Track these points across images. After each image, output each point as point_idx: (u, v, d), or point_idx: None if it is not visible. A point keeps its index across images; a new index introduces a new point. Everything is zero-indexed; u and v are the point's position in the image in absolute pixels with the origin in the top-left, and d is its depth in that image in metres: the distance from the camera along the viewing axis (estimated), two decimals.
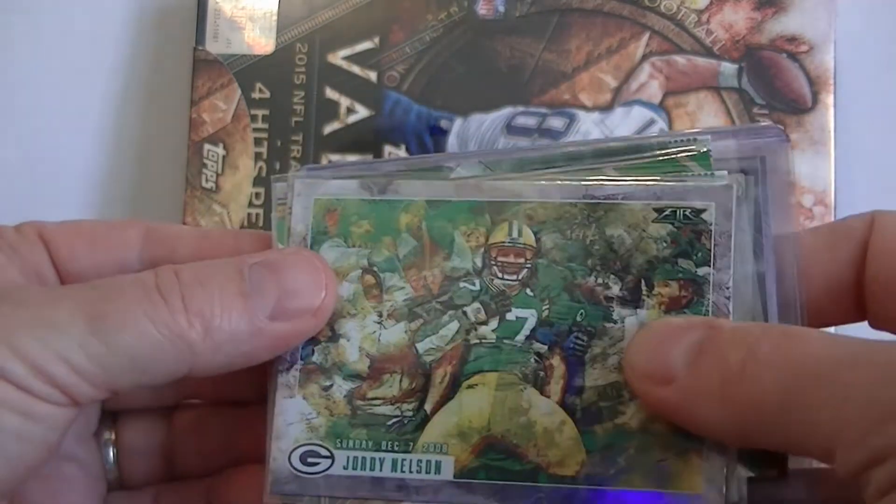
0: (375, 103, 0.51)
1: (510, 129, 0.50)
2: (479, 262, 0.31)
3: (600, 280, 0.30)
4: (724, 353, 0.27)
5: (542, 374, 0.30)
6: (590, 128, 0.50)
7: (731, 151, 0.31)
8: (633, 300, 0.30)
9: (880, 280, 0.30)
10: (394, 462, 0.30)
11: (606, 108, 0.50)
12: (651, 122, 0.50)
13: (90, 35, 0.56)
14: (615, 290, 0.30)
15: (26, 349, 0.27)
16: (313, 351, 0.31)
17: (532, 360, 0.30)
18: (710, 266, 0.30)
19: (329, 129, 0.51)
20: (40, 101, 0.56)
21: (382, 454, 0.30)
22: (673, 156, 0.31)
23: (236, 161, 0.51)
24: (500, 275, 0.31)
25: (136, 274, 0.29)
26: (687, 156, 0.30)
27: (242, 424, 0.35)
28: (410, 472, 0.30)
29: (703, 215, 0.30)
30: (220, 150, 0.51)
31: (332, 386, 0.31)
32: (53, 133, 0.55)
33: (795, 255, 0.30)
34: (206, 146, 0.51)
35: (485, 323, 0.31)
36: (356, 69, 0.52)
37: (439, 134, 0.50)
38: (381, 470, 0.30)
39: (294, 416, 0.31)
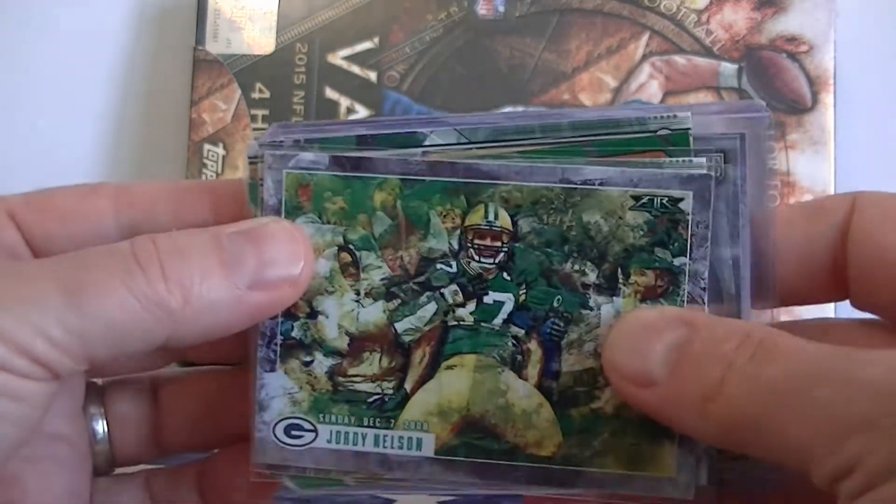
0: (375, 103, 0.51)
1: None
2: (455, 244, 0.31)
3: (577, 266, 0.30)
4: (704, 366, 0.27)
5: (519, 357, 0.31)
6: None
7: (711, 128, 0.30)
8: (609, 288, 0.30)
9: (862, 261, 0.30)
10: (376, 438, 0.31)
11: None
12: None
13: (90, 35, 0.56)
14: (592, 277, 0.30)
15: (3, 326, 0.27)
16: (293, 327, 0.31)
17: (510, 343, 0.31)
18: (686, 256, 0.30)
19: None
20: (40, 101, 0.56)
21: (365, 430, 0.31)
22: (652, 133, 0.30)
23: (236, 161, 0.51)
24: (476, 258, 0.31)
25: (112, 244, 0.29)
26: (667, 132, 0.30)
27: (228, 394, 0.34)
28: (392, 447, 0.31)
29: (681, 204, 0.30)
30: (220, 150, 0.51)
31: (312, 362, 0.31)
32: (53, 133, 0.55)
33: (772, 237, 0.30)
34: (206, 146, 0.51)
35: (462, 305, 0.31)
36: (356, 69, 0.52)
37: None
38: (363, 445, 0.31)
39: (276, 390, 0.31)
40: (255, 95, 0.52)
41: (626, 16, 0.51)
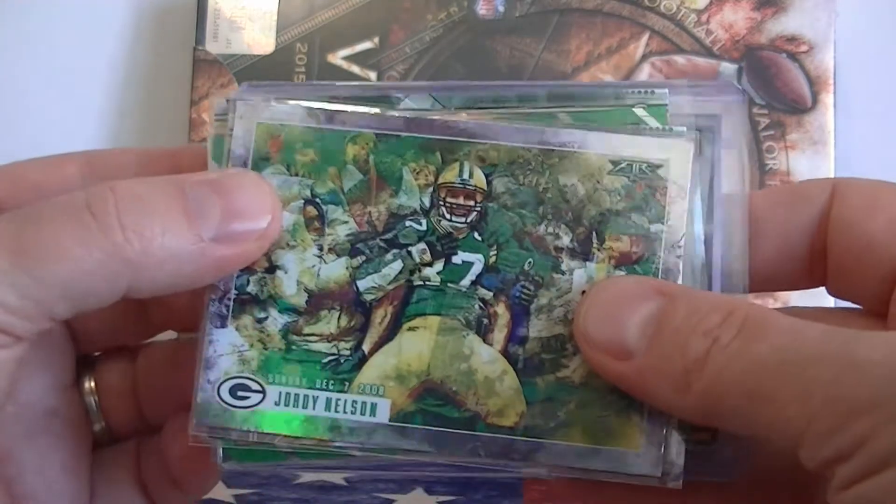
0: None
1: None
2: (426, 202, 0.30)
3: (551, 229, 0.30)
4: (685, 339, 0.26)
5: (485, 321, 0.30)
6: None
7: (687, 107, 0.30)
8: (582, 252, 0.30)
9: (843, 247, 0.30)
10: (328, 401, 0.29)
11: None
12: None
13: (90, 35, 0.56)
14: (565, 240, 0.30)
15: None
16: (248, 281, 0.30)
17: (476, 306, 0.30)
18: (662, 223, 0.29)
19: None
20: (40, 101, 0.56)
21: (316, 392, 0.30)
22: (629, 106, 0.30)
23: None
24: (448, 216, 0.30)
25: (66, 195, 0.28)
26: (643, 107, 0.30)
27: None
28: (345, 412, 0.29)
29: (660, 171, 0.29)
30: None
31: (266, 318, 0.30)
32: (53, 133, 0.55)
33: (746, 214, 0.30)
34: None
35: (430, 265, 0.30)
36: (356, 69, 0.52)
37: None
38: (314, 409, 0.29)
39: (225, 348, 0.30)
40: None
41: (626, 16, 0.51)
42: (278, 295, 0.30)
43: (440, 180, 0.30)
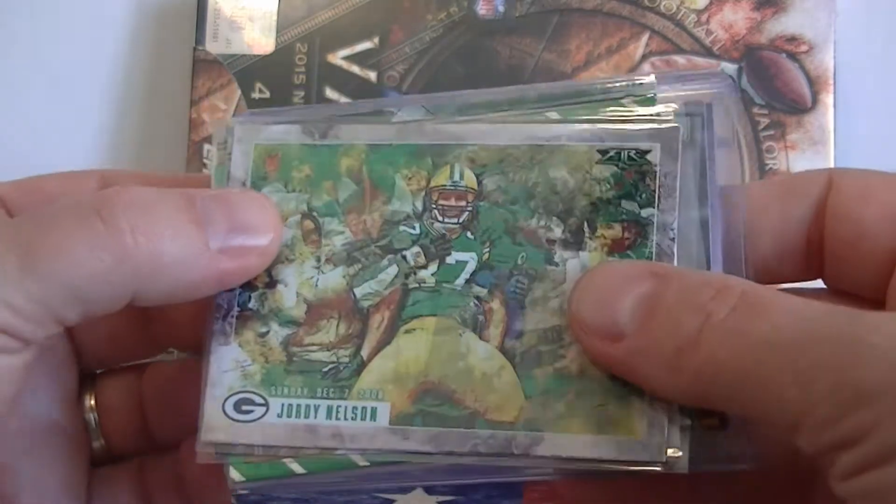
0: None
1: None
2: (419, 206, 0.30)
3: (542, 222, 0.30)
4: (677, 317, 0.26)
5: (481, 318, 0.30)
6: None
7: (677, 97, 0.30)
8: (575, 242, 0.30)
9: (840, 237, 0.29)
10: (329, 409, 0.30)
11: None
12: None
13: (90, 35, 0.56)
14: (557, 232, 0.30)
15: None
16: (250, 297, 0.30)
17: (472, 303, 0.30)
18: (654, 207, 0.29)
19: None
20: (40, 101, 0.56)
21: (317, 401, 0.30)
22: (617, 100, 0.30)
23: None
24: (440, 218, 0.30)
25: (77, 197, 0.28)
26: (632, 100, 0.30)
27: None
28: (345, 419, 0.29)
29: (648, 156, 0.29)
30: None
31: (268, 332, 0.30)
32: (53, 133, 0.55)
33: (743, 206, 0.29)
34: (206, 146, 0.51)
35: (424, 267, 0.30)
36: (356, 69, 0.52)
37: None
38: (315, 417, 0.30)
39: (229, 364, 0.30)
40: (255, 95, 0.52)
41: (625, 16, 0.51)
42: (279, 308, 0.30)
43: (431, 184, 0.31)
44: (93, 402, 0.34)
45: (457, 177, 0.30)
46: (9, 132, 0.55)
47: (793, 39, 0.50)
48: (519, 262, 0.30)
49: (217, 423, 0.30)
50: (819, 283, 0.32)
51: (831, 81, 0.49)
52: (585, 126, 0.30)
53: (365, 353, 0.30)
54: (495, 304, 0.30)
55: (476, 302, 0.30)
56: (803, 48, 0.49)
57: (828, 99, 0.49)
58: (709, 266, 0.29)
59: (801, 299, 0.25)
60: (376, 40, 0.52)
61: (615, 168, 0.30)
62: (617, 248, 0.29)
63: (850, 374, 0.23)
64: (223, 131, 0.31)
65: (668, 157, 0.29)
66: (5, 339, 0.27)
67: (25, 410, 0.31)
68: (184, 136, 0.52)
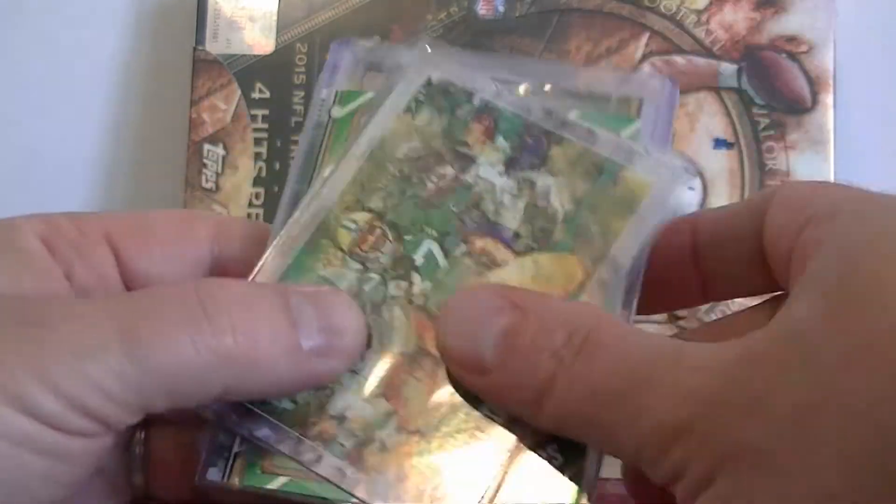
0: None
1: None
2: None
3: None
4: (535, 360, 0.27)
5: None
6: None
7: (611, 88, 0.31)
8: None
9: (770, 252, 0.30)
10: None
11: None
12: None
13: (90, 35, 0.56)
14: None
15: (58, 379, 0.25)
16: None
17: None
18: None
19: None
20: (40, 101, 0.56)
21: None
22: None
23: (236, 161, 0.51)
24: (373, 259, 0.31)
25: (176, 287, 0.28)
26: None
27: None
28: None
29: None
30: (220, 150, 0.51)
31: None
32: (53, 133, 0.55)
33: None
34: (206, 146, 0.51)
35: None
36: None
37: None
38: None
39: None
40: (255, 95, 0.52)
41: (625, 16, 0.51)
42: None
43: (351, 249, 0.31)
44: (141, 448, 0.33)
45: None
46: (9, 132, 0.55)
47: (793, 39, 0.50)
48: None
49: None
50: None
51: (831, 81, 0.49)
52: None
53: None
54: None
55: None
56: (803, 48, 0.49)
57: (828, 99, 0.49)
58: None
59: (641, 336, 0.27)
60: (376, 40, 0.52)
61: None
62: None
63: (666, 415, 0.25)
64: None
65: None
66: (89, 424, 0.26)
67: None
68: (184, 136, 0.52)
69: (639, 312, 0.30)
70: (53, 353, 0.25)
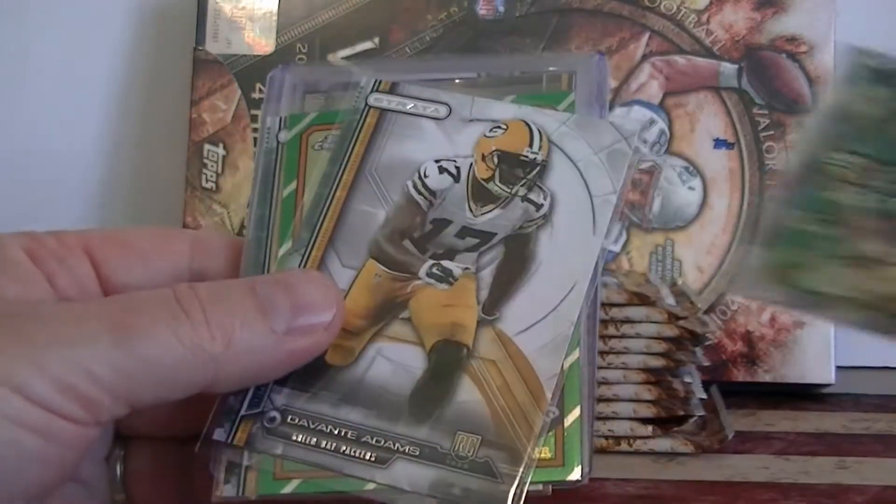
0: None
1: None
2: None
3: None
4: None
5: None
6: None
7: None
8: None
9: None
10: None
11: None
12: (651, 122, 0.50)
13: (91, 35, 0.56)
14: None
15: (50, 365, 0.27)
16: None
17: None
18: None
19: None
20: (40, 102, 0.56)
21: None
22: None
23: (236, 161, 0.51)
24: None
25: (155, 290, 0.29)
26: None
27: None
28: None
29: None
30: (220, 150, 0.51)
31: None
32: (54, 133, 0.55)
33: None
34: (206, 146, 0.51)
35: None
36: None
37: None
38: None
39: None
40: (255, 95, 0.52)
41: (626, 16, 0.51)
42: None
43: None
44: (121, 463, 0.34)
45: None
46: (9, 132, 0.55)
47: (793, 39, 0.50)
48: None
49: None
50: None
51: (831, 81, 0.49)
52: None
53: None
54: None
55: None
56: (803, 48, 0.49)
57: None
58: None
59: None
60: (376, 40, 0.52)
61: None
62: None
63: None
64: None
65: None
66: (79, 409, 0.27)
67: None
68: (184, 136, 0.52)
69: None
70: (46, 342, 0.27)
